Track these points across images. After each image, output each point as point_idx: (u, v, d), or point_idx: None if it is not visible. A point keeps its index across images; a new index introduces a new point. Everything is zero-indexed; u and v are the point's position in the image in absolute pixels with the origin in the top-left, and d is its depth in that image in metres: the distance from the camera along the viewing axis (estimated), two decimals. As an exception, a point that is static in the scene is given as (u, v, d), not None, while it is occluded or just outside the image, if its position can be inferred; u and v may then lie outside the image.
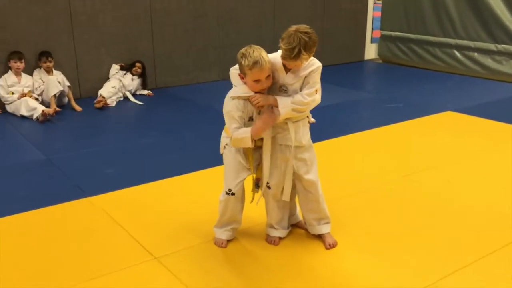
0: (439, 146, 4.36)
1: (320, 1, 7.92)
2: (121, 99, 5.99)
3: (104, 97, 5.68)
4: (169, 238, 2.84)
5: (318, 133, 4.61)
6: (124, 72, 6.13)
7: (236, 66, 2.54)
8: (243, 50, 2.46)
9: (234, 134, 2.52)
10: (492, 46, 7.12)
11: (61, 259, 2.66)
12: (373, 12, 8.60)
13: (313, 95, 2.49)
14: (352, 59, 8.63)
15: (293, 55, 2.35)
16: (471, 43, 7.36)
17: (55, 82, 5.44)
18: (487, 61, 7.21)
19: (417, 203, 3.29)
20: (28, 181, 3.71)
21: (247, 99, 2.51)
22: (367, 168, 3.88)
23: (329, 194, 3.25)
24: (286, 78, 2.51)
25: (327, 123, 5.13)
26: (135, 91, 6.22)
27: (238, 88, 2.54)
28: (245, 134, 2.49)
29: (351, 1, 8.27)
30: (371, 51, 8.86)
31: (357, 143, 4.52)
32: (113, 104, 5.77)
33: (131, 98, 6.00)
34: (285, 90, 2.52)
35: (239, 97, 2.52)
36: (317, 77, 2.51)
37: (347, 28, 8.37)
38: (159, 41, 6.55)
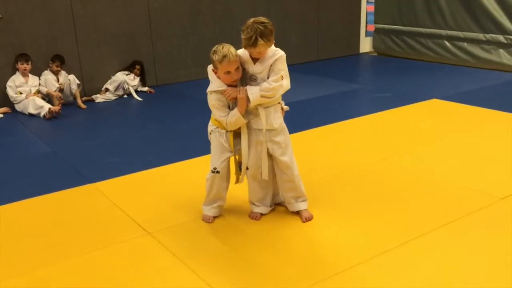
0: (420, 131, 4.63)
1: (314, -3, 8.19)
2: (125, 96, 6.36)
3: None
4: (161, 216, 3.15)
5: (308, 122, 4.94)
6: (127, 72, 6.47)
7: (211, 65, 2.87)
8: (214, 48, 2.80)
9: (228, 119, 2.84)
10: (481, 36, 7.35)
11: (63, 235, 2.98)
12: (366, 6, 8.84)
13: (278, 81, 2.79)
14: (347, 53, 8.88)
15: (251, 42, 2.68)
16: (460, 34, 7.58)
17: (52, 81, 5.88)
18: (477, 50, 7.43)
19: (391, 181, 3.57)
20: (36, 171, 4.05)
21: (221, 92, 2.83)
22: (349, 152, 4.16)
23: (311, 175, 3.56)
24: (254, 68, 2.82)
25: (317, 113, 5.44)
26: (136, 89, 6.54)
27: (213, 84, 2.87)
28: (236, 115, 2.82)
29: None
30: (366, 44, 9.11)
31: (342, 130, 4.80)
32: (98, 100, 6.22)
33: (134, 95, 6.33)
34: (255, 79, 2.84)
35: (215, 91, 2.85)
36: (281, 65, 2.80)
37: (341, 22, 8.62)
38: (158, 39, 6.87)
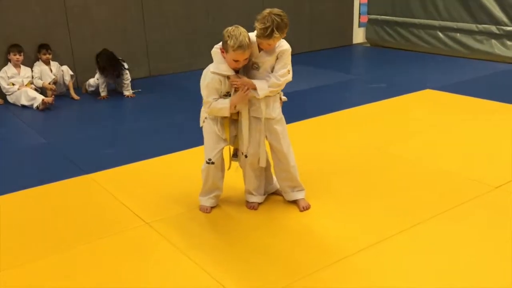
0: (414, 121, 4.65)
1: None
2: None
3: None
4: (159, 207, 3.15)
5: (303, 112, 4.95)
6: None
7: (219, 44, 2.81)
8: (230, 30, 2.71)
9: (213, 104, 2.82)
10: (473, 27, 7.37)
11: (62, 226, 2.98)
12: (359, -3, 8.84)
13: (286, 76, 2.80)
14: (341, 44, 8.88)
15: (266, 33, 2.65)
16: (453, 24, 7.61)
17: (48, 72, 5.85)
18: (469, 41, 7.46)
19: (386, 171, 3.59)
20: (31, 162, 4.04)
21: (226, 77, 2.80)
22: (345, 142, 4.17)
23: (307, 165, 3.57)
24: (258, 57, 2.80)
25: (312, 103, 5.44)
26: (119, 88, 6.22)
27: (220, 66, 2.80)
28: (224, 104, 2.81)
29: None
30: (359, 35, 9.10)
31: (337, 120, 4.81)
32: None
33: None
34: (257, 68, 2.83)
35: (220, 74, 2.80)
36: (287, 58, 2.80)
37: (334, 13, 8.60)
38: (151, 30, 6.82)
